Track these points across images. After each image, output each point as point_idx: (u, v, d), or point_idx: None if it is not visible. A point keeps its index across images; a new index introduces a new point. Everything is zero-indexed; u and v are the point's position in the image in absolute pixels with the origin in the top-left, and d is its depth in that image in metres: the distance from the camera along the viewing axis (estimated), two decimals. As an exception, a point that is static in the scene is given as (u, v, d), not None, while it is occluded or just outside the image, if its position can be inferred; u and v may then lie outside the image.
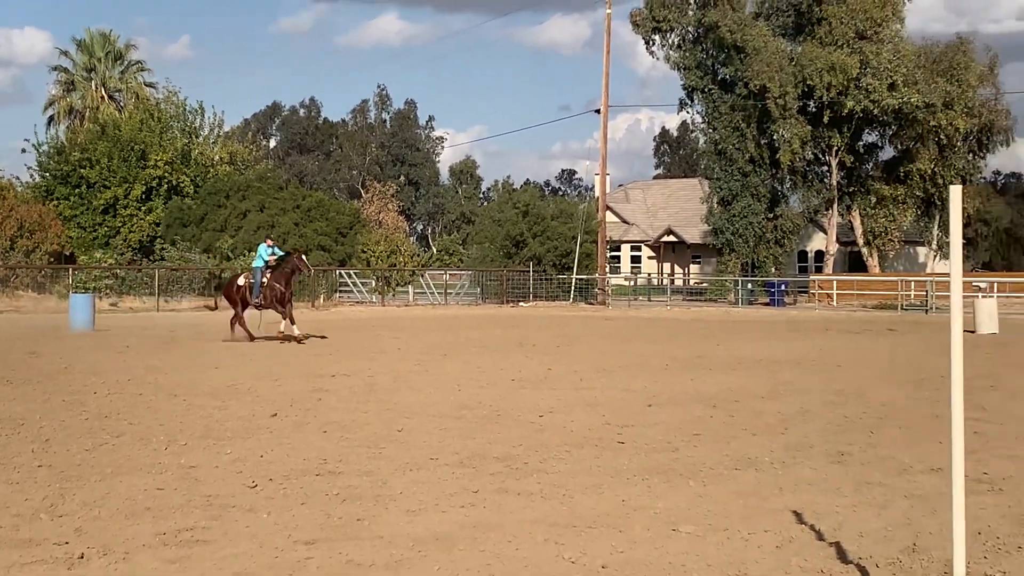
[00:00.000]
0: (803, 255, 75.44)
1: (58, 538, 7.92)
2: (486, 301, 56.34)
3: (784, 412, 14.62)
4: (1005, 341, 28.89)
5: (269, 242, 30.11)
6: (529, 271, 57.07)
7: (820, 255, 69.00)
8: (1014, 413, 14.35)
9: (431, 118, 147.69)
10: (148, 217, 62.11)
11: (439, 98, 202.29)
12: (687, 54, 60.69)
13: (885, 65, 56.49)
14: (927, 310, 47.12)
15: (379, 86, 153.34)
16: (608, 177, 65.11)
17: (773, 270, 60.46)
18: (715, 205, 60.76)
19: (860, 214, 62.37)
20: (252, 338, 28.04)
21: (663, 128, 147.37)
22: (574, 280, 57.31)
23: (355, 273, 56.43)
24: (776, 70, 55.78)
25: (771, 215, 60.38)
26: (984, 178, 77.56)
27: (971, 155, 62.68)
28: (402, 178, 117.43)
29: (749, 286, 56.93)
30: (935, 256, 65.39)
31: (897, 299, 50.42)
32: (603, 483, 9.94)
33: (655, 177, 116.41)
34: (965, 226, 73.65)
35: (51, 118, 78.22)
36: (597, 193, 64.43)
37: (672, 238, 79.04)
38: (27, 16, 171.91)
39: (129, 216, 62.02)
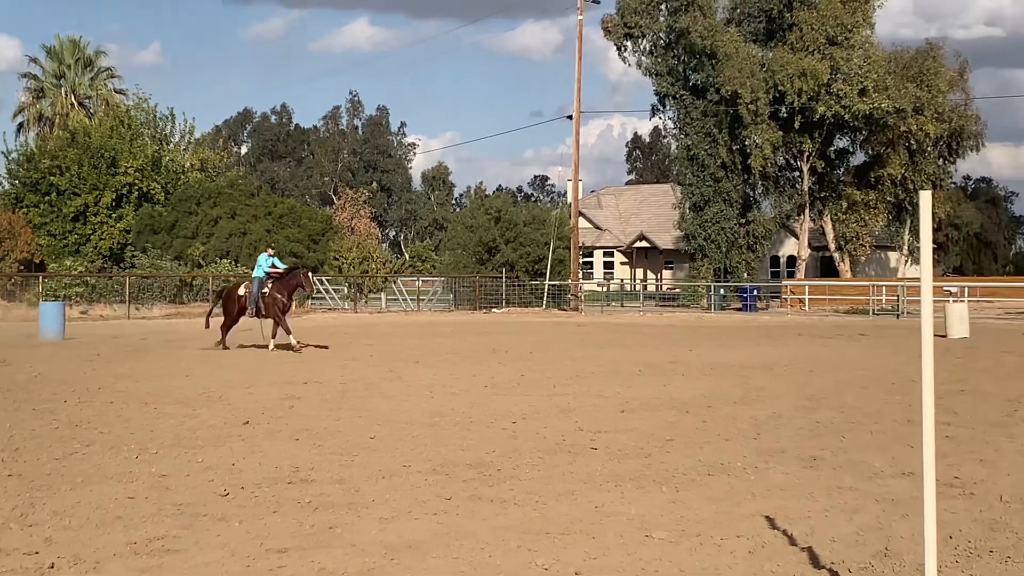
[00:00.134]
0: (775, 260, 75.73)
1: (28, 548, 7.87)
2: (459, 307, 56.35)
3: (757, 417, 14.64)
4: (976, 345, 29.00)
5: (270, 251, 29.55)
6: (502, 277, 57.11)
7: (792, 260, 69.24)
8: (985, 417, 14.40)
9: (403, 124, 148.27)
10: (119, 224, 61.79)
11: (411, 104, 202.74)
12: (659, 60, 60.69)
13: (856, 71, 56.68)
14: (898, 315, 47.28)
15: (351, 92, 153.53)
16: (580, 183, 65.32)
17: (745, 275, 60.57)
18: (687, 211, 60.78)
19: (831, 219, 62.59)
20: (226, 347, 27.93)
21: (635, 134, 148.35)
22: (547, 286, 57.36)
23: (327, 280, 56.32)
24: (747, 76, 55.90)
25: (743, 220, 60.49)
26: (954, 183, 78.25)
27: (941, 160, 63.05)
28: (374, 184, 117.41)
29: (721, 291, 57.04)
30: (906, 261, 65.74)
31: (868, 304, 50.58)
32: (576, 489, 9.93)
33: (627, 183, 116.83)
34: (936, 231, 74.12)
35: (20, 125, 77.86)
36: (569, 199, 64.52)
37: (644, 244, 79.20)
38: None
39: (99, 223, 61.69)
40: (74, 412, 15.08)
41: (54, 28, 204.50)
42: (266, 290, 28.06)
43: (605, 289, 68.40)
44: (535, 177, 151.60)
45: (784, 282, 62.58)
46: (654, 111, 64.03)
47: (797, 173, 62.45)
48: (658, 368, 22.38)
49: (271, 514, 8.96)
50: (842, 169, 64.13)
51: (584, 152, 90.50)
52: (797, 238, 64.74)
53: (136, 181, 62.17)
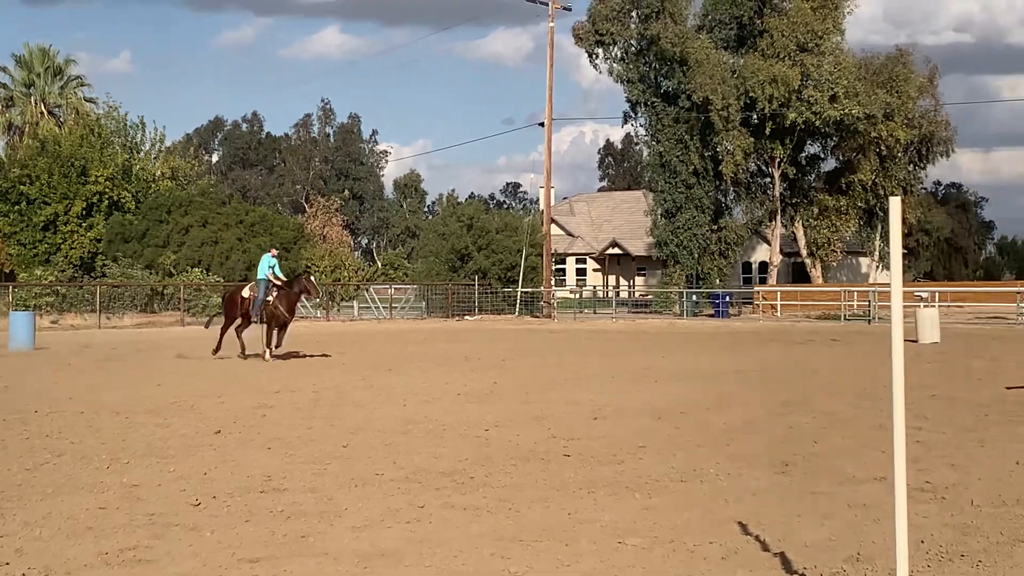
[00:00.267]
0: (747, 266, 75.93)
1: (-3, 560, 7.82)
2: (431, 315, 56.33)
3: (729, 423, 14.67)
4: (946, 350, 29.15)
5: (274, 252, 28.90)
6: (475, 285, 57.11)
7: (764, 266, 69.47)
8: (956, 422, 14.46)
9: (375, 132, 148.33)
10: (89, 233, 61.46)
11: (383, 112, 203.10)
12: (630, 67, 60.77)
13: (826, 77, 56.95)
14: (870, 320, 47.47)
15: (322, 100, 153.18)
16: (553, 190, 65.41)
17: (717, 282, 60.73)
18: (659, 217, 60.88)
19: (803, 225, 62.83)
20: (217, 351, 27.45)
21: (607, 141, 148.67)
22: (519, 293, 57.39)
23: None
24: (719, 82, 56.09)
25: (715, 227, 60.65)
26: (925, 188, 78.55)
27: (912, 166, 63.40)
28: (346, 192, 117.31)
29: (694, 298, 57.15)
30: (877, 266, 65.98)
31: (840, 309, 50.79)
32: (549, 497, 9.92)
33: (600, 190, 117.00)
34: (906, 236, 74.48)
35: (-10, 134, 77.43)
36: (542, 206, 64.56)
37: (617, 250, 79.31)
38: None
39: (70, 232, 61.34)
40: (45, 422, 14.99)
41: (23, 37, 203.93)
42: (270, 298, 27.35)
43: (577, 296, 68.42)
44: (507, 184, 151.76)
45: (756, 288, 62.79)
46: (626, 118, 64.21)
47: (768, 179, 62.68)
48: (631, 375, 22.41)
49: (243, 523, 8.92)
50: (813, 175, 64.44)
51: (556, 159, 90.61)
52: (769, 244, 64.93)
53: (107, 190, 61.85)
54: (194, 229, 59.28)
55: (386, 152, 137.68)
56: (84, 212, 61.57)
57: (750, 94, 56.52)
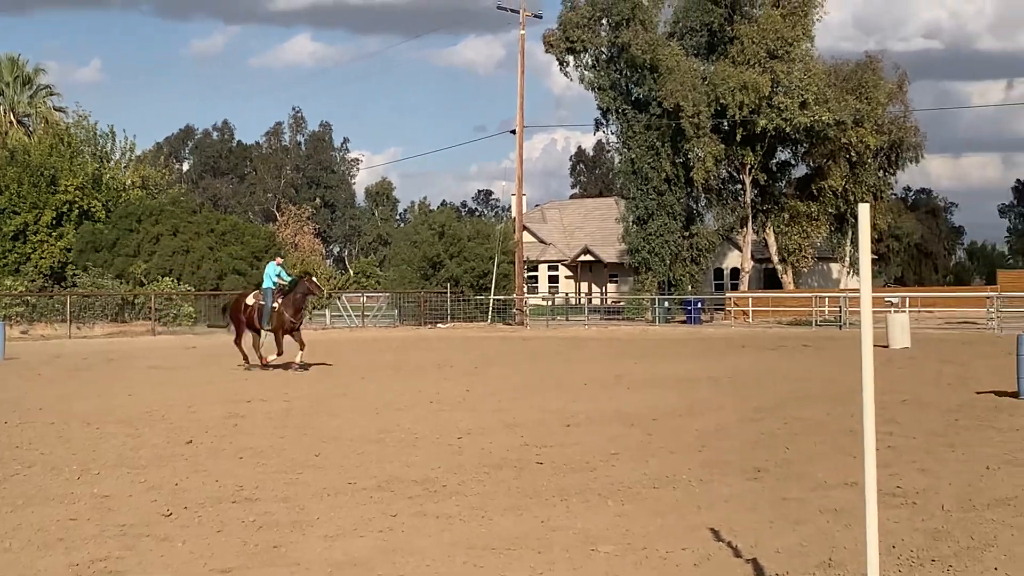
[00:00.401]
0: (719, 273, 76.07)
1: (-33, 572, 7.77)
2: (404, 323, 56.26)
3: (701, 429, 14.70)
4: (917, 355, 29.27)
5: (279, 260, 28.61)
6: (447, 292, 57.09)
7: (736, 272, 69.57)
8: (926, 427, 14.53)
9: (346, 140, 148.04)
10: (59, 243, 61.07)
11: (354, 120, 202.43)
12: (601, 74, 60.83)
13: (796, 84, 57.14)
14: (841, 326, 47.59)
15: (293, 108, 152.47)
16: (524, 197, 65.34)
17: (689, 288, 60.82)
18: (631, 224, 60.91)
19: (774, 231, 63.01)
20: (247, 360, 27.08)
21: (579, 147, 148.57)
22: (492, 301, 57.38)
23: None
24: (689, 89, 56.21)
25: (687, 233, 60.77)
26: (895, 194, 78.80)
27: (882, 172, 63.58)
28: (318, 200, 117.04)
29: (666, 304, 57.17)
30: (848, 272, 66.20)
31: (811, 315, 50.92)
32: (522, 504, 9.93)
33: (571, 197, 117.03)
34: (877, 242, 74.93)
35: (-41, 144, 76.91)
36: (514, 213, 64.55)
37: (589, 257, 79.38)
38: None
39: (40, 242, 60.91)
40: (15, 433, 14.92)
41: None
42: (276, 305, 27.08)
43: (550, 303, 68.44)
44: (479, 192, 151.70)
45: (728, 294, 62.86)
46: (597, 125, 64.25)
47: (739, 186, 62.82)
48: (603, 382, 22.43)
49: (215, 534, 8.89)
50: (784, 181, 64.65)
51: (528, 166, 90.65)
52: (740, 250, 65.09)
53: (76, 199, 61.47)
54: (165, 238, 59.01)
55: (357, 160, 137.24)
56: (54, 221, 61.16)
57: (721, 101, 56.64)
